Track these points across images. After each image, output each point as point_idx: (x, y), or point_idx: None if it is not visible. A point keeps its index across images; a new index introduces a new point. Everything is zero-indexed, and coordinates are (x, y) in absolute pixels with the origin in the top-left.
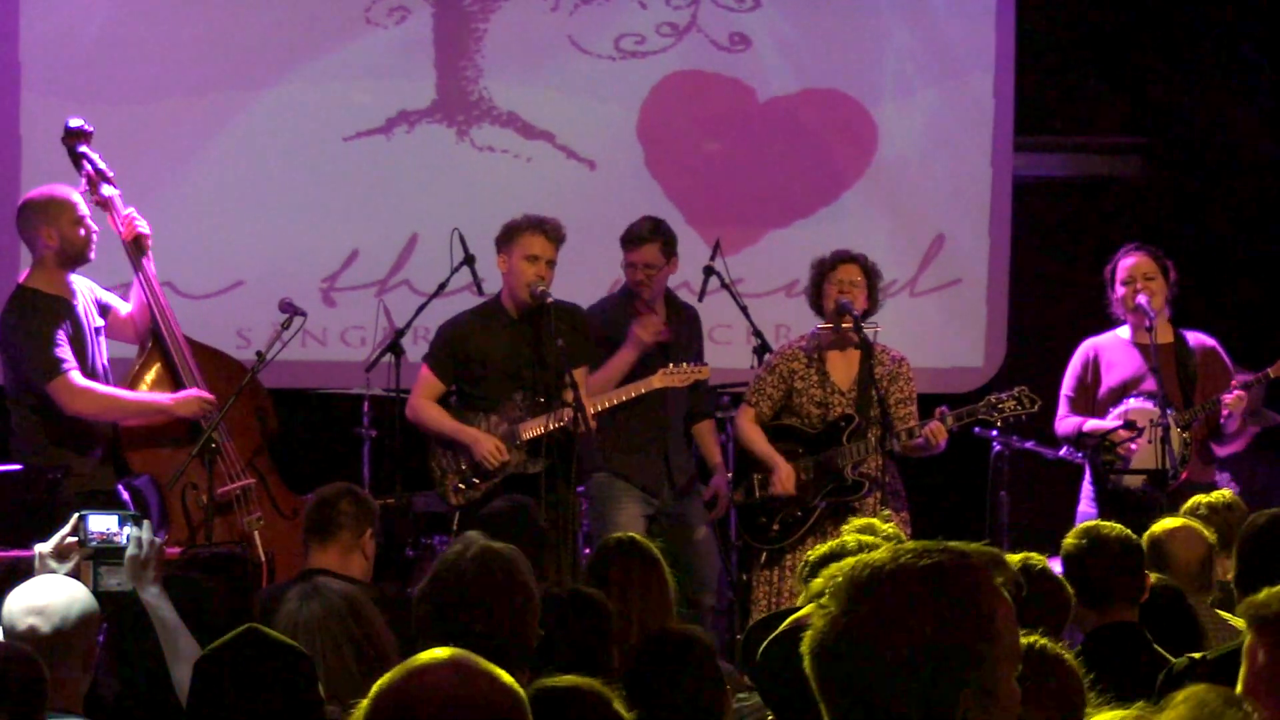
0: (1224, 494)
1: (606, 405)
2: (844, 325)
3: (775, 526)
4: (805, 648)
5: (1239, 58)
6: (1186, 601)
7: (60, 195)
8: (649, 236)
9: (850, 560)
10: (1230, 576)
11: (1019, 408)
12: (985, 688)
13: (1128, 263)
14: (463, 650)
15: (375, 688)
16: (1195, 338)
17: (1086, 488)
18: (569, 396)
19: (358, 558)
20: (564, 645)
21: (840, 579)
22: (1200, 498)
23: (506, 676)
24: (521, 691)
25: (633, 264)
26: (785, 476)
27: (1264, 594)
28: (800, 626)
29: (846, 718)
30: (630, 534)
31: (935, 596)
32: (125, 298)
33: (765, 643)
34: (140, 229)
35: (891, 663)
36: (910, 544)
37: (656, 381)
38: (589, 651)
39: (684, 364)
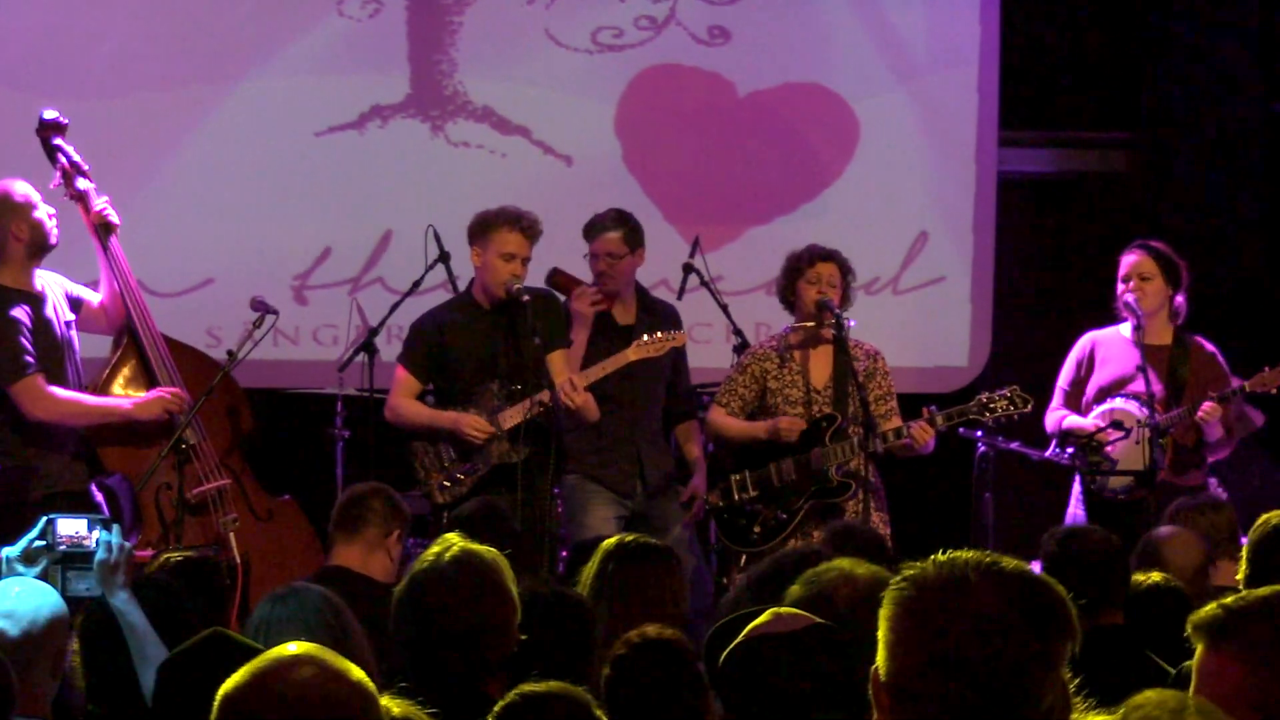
0: (1210, 497)
1: (583, 385)
2: (826, 323)
3: (756, 529)
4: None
5: (1226, 50)
6: (1186, 599)
7: (20, 188)
8: (611, 225)
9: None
10: (1222, 581)
11: (1011, 407)
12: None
13: (1127, 260)
14: (315, 646)
15: (223, 688)
16: (1196, 342)
17: (1077, 489)
18: (545, 397)
19: (381, 557)
20: (547, 647)
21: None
22: (1185, 500)
23: (359, 673)
24: (374, 689)
25: (595, 253)
26: (790, 421)
27: (1208, 607)
28: (762, 634)
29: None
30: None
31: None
32: (96, 290)
33: (726, 649)
34: (109, 216)
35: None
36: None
37: (631, 354)
38: (572, 655)
39: (657, 333)
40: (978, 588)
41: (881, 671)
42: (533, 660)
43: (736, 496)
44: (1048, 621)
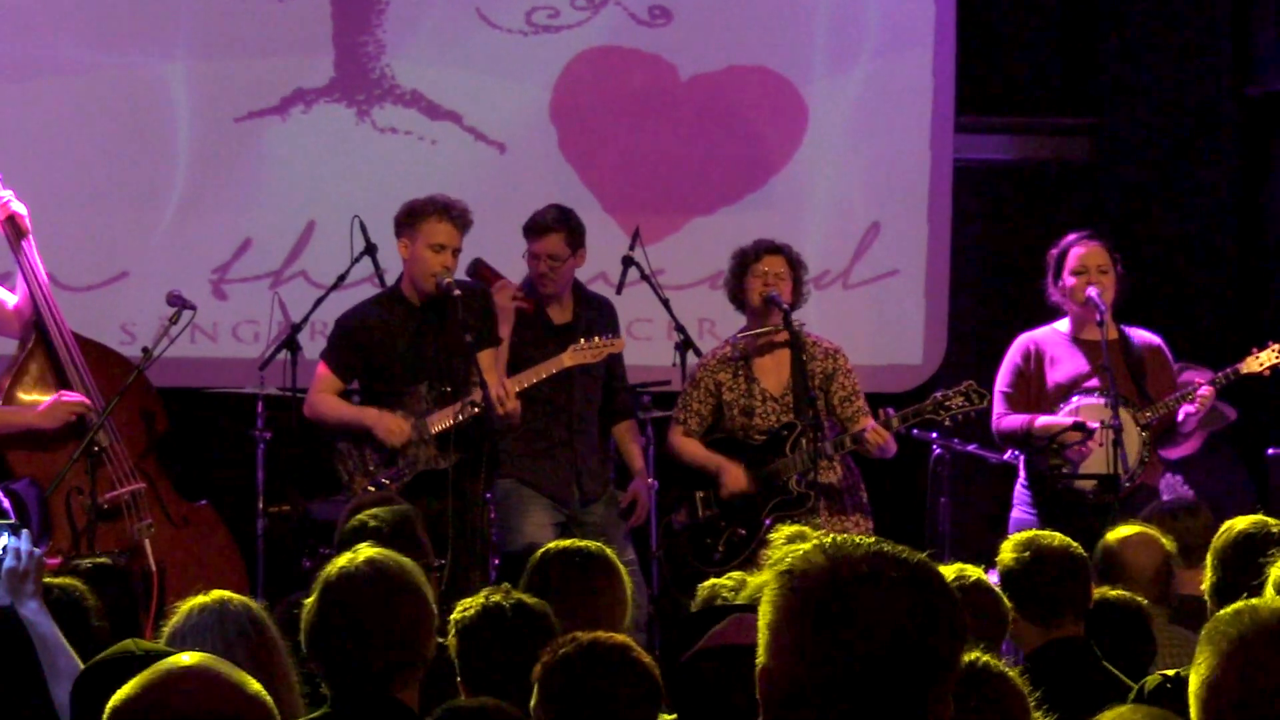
0: (1186, 500)
1: (515, 390)
2: (772, 323)
3: (720, 548)
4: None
5: (1195, 31)
6: (1144, 615)
7: None
8: (553, 225)
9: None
10: (1188, 590)
11: (967, 404)
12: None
13: (1080, 252)
14: (210, 657)
15: (113, 700)
16: (1139, 335)
17: (1020, 492)
18: (478, 396)
19: None
20: (504, 657)
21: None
22: (1159, 504)
23: (254, 684)
24: (269, 700)
25: (536, 255)
26: (735, 477)
27: (1229, 610)
28: (720, 645)
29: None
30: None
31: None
32: (11, 289)
33: (682, 658)
34: (15, 209)
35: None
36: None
37: (567, 359)
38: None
39: (595, 338)
40: (862, 587)
41: (758, 672)
42: (492, 671)
43: (701, 513)
44: (936, 625)
